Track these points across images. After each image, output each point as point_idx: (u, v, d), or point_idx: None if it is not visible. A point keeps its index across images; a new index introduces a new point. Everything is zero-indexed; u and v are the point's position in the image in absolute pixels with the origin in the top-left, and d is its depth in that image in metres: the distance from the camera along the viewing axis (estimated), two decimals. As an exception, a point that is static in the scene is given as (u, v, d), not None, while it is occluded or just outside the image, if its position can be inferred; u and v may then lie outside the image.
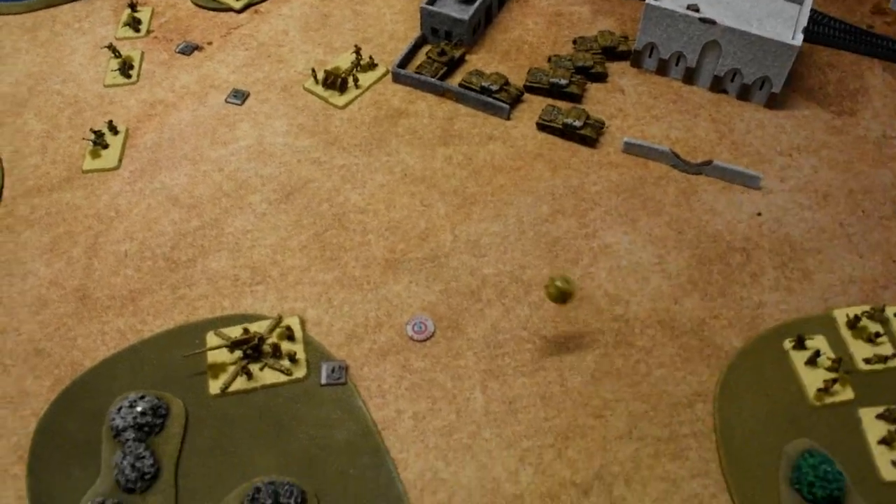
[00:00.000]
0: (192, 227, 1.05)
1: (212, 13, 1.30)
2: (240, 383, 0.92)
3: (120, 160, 1.12)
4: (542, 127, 1.12)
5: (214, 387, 0.92)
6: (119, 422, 0.87)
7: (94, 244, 1.05)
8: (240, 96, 1.17)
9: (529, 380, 0.91)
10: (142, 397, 0.89)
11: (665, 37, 1.15)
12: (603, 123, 1.12)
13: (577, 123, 1.09)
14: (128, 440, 0.86)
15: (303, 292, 0.99)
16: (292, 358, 0.92)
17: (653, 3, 1.13)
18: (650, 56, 1.19)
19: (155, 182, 1.10)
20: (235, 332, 0.95)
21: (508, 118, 1.13)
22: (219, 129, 1.15)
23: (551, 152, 1.10)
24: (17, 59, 1.27)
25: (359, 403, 0.90)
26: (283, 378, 0.92)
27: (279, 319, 0.95)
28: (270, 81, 1.19)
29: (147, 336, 0.97)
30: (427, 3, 1.19)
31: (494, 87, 1.13)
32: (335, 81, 1.16)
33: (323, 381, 0.92)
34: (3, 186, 1.12)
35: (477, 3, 1.19)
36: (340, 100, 1.16)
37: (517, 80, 1.18)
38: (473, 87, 1.15)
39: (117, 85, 1.20)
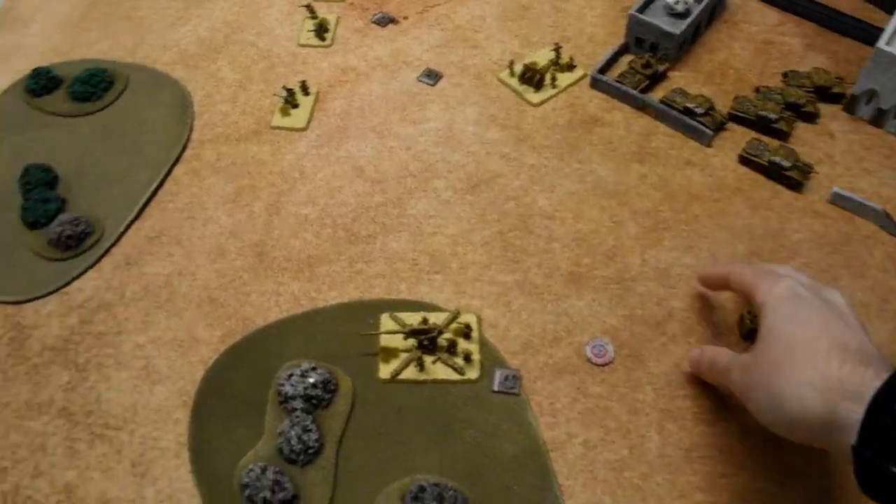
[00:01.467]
0: (374, 202, 1.03)
1: (410, -14, 1.27)
2: (410, 372, 0.89)
3: (308, 122, 1.10)
4: (744, 160, 1.06)
5: (385, 371, 0.89)
6: (289, 389, 0.86)
7: (276, 202, 1.03)
8: (433, 76, 1.13)
9: (709, 429, 0.85)
10: (313, 368, 0.87)
11: (890, 86, 1.07)
12: (811, 168, 1.05)
13: (786, 163, 1.02)
14: (295, 409, 0.85)
15: (481, 290, 0.95)
16: (468, 357, 0.89)
17: (884, 48, 1.05)
18: (867, 103, 1.11)
19: (341, 150, 1.08)
20: (411, 318, 0.92)
21: (709, 145, 1.07)
22: (409, 107, 1.12)
23: (752, 189, 1.03)
24: (215, 4, 1.28)
25: (530, 419, 0.86)
26: (454, 376, 0.89)
27: (457, 314, 0.92)
28: (464, 66, 1.16)
29: (321, 305, 0.95)
30: (636, 11, 1.13)
31: (699, 111, 1.07)
32: (533, 77, 1.11)
33: (495, 387, 0.88)
34: (192, 129, 1.11)
35: (690, 19, 1.12)
36: (535, 97, 1.12)
37: (720, 105, 1.11)
38: (676, 106, 1.09)
39: (311, 46, 1.19)
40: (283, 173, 1.07)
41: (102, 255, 1.01)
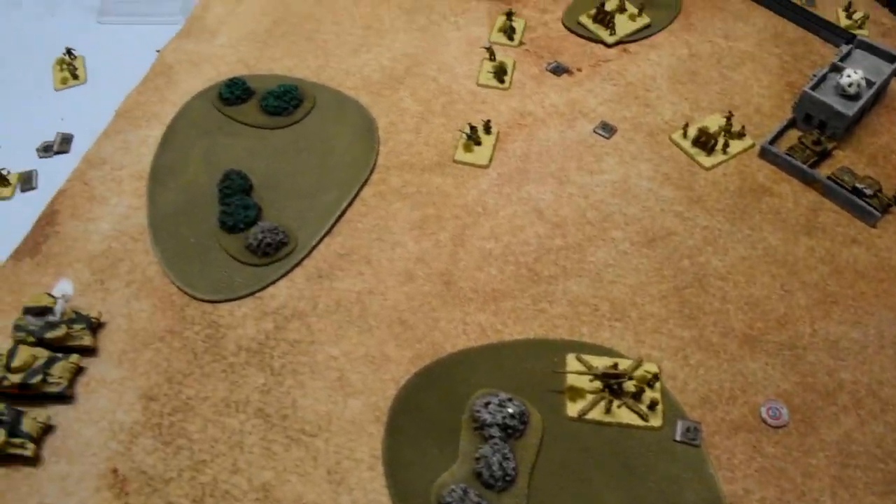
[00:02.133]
0: (555, 245, 1.08)
1: (582, 41, 1.34)
2: (597, 413, 0.94)
3: (490, 160, 1.16)
4: (910, 244, 1.10)
5: (573, 409, 0.94)
6: (487, 416, 0.90)
7: (461, 234, 1.09)
8: (608, 130, 1.19)
9: (880, 501, 0.89)
10: (510, 399, 0.92)
11: None
12: (975, 259, 1.09)
13: (950, 252, 1.07)
14: (493, 437, 0.89)
15: (660, 342, 1.00)
16: (652, 405, 0.93)
17: None
18: None
19: (522, 191, 1.14)
20: (596, 361, 0.97)
21: (874, 226, 1.12)
22: (585, 157, 1.17)
23: (919, 274, 1.07)
24: (396, 37, 1.35)
25: (710, 471, 0.90)
26: (637, 422, 0.93)
27: (640, 362, 0.96)
28: (637, 123, 1.21)
29: (506, 339, 1.00)
30: (810, 89, 1.19)
31: (868, 191, 1.12)
32: (707, 142, 1.17)
33: (677, 437, 0.93)
34: (377, 154, 1.17)
35: (861, 101, 1.18)
36: (707, 160, 1.17)
37: (884, 188, 1.15)
38: (845, 184, 1.14)
39: (490, 87, 1.26)
40: (467, 207, 1.13)
41: (295, 266, 1.06)
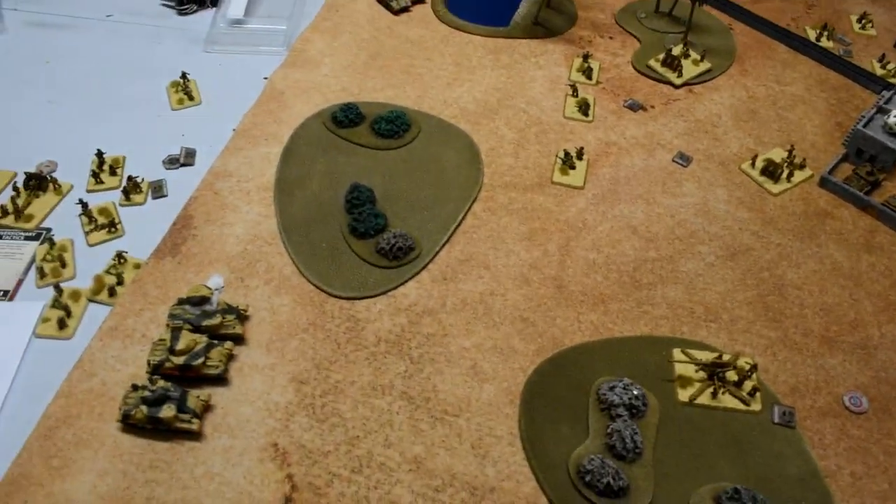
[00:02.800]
0: (650, 257, 1.24)
1: (651, 82, 1.52)
2: (705, 398, 1.08)
3: (584, 182, 1.31)
4: (955, 264, 1.28)
5: (683, 395, 1.08)
6: (614, 398, 1.04)
7: (566, 245, 1.24)
8: (685, 159, 1.37)
9: (954, 476, 1.05)
10: (632, 384, 1.06)
11: None
12: None
13: None
14: (621, 416, 1.03)
15: (750, 340, 1.15)
16: (753, 391, 1.08)
17: None
18: None
19: (615, 209, 1.30)
20: (699, 354, 1.11)
21: (923, 247, 1.30)
22: (667, 182, 1.34)
23: (964, 288, 1.25)
24: (484, 74, 1.52)
25: (806, 448, 1.05)
26: (740, 406, 1.08)
27: (738, 356, 1.11)
28: (709, 154, 1.39)
29: (617, 335, 1.14)
30: (862, 126, 1.39)
31: (917, 216, 1.31)
32: (774, 171, 1.35)
33: (775, 419, 1.07)
34: (483, 174, 1.33)
35: (905, 140, 1.38)
36: (774, 187, 1.35)
37: (929, 215, 1.34)
38: None
39: (575, 119, 1.42)
40: (569, 222, 1.28)
41: (422, 269, 1.20)
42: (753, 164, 1.38)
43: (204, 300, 1.10)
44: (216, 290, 1.11)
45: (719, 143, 1.43)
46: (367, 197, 1.24)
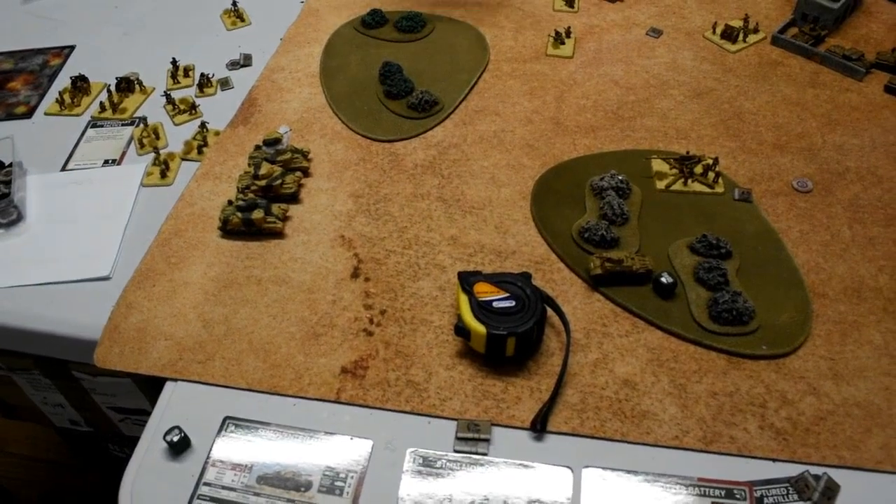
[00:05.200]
0: (630, 100, 1.63)
1: (624, -17, 1.95)
2: (677, 186, 1.46)
3: (573, 53, 1.73)
4: (888, 90, 1.68)
5: (660, 185, 1.46)
6: (604, 184, 1.43)
7: (560, 95, 1.64)
8: (657, 32, 1.77)
9: (884, 229, 1.42)
10: (618, 173, 1.45)
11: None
12: (933, 98, 1.66)
13: (915, 93, 1.64)
14: (608, 195, 1.42)
15: (714, 150, 1.52)
16: (716, 177, 1.47)
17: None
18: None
19: (600, 70, 1.70)
20: (670, 157, 1.51)
21: (861, 80, 1.70)
22: (642, 49, 1.75)
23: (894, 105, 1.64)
24: (483, -15, 1.94)
25: (762, 215, 1.42)
26: (706, 189, 1.46)
27: (702, 156, 1.50)
28: (677, 28, 1.79)
29: (605, 150, 1.54)
30: None
31: (854, 56, 1.71)
32: (731, 34, 1.76)
33: (735, 197, 1.45)
34: (489, 53, 1.74)
35: (841, 2, 1.79)
36: (733, 47, 1.75)
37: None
38: (837, 54, 1.72)
39: (563, 11, 1.83)
40: (562, 81, 1.69)
41: (445, 118, 1.61)
42: (714, 31, 1.79)
43: (277, 141, 1.51)
44: (285, 133, 1.53)
45: (685, 20, 1.85)
46: (396, 69, 1.66)
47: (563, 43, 1.76)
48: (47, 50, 1.87)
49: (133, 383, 1.45)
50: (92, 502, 2.38)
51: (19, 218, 1.48)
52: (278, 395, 1.19)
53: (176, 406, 1.19)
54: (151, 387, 1.42)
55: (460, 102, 1.64)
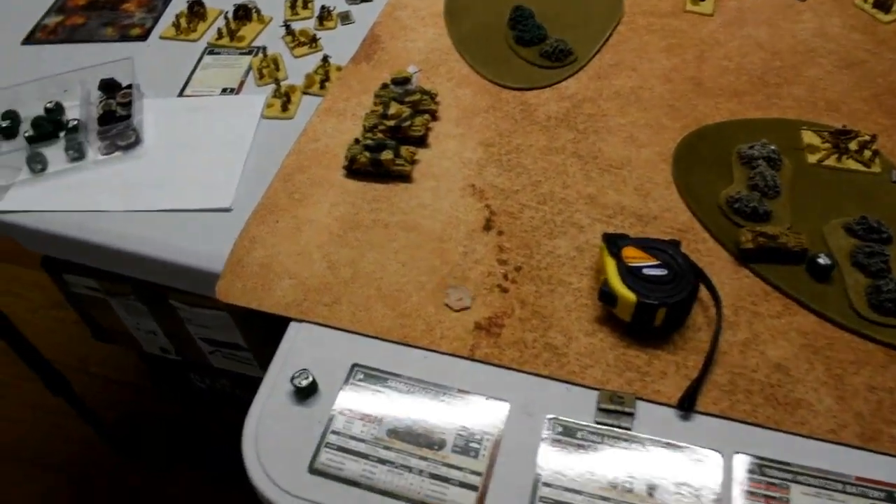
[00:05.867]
0: (775, 65, 1.48)
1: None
2: (830, 162, 1.32)
3: (713, 10, 1.57)
4: None
5: (812, 159, 1.32)
6: (753, 153, 1.29)
7: (700, 55, 1.50)
8: (802, -3, 1.61)
9: None
10: (769, 142, 1.31)
11: None
12: None
13: None
14: (759, 165, 1.28)
15: (868, 127, 1.38)
16: (873, 156, 1.32)
17: None
18: None
19: (742, 31, 1.55)
20: (824, 131, 1.36)
21: None
22: (788, 12, 1.59)
23: None
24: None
25: (921, 199, 1.28)
26: (861, 168, 1.31)
27: (858, 132, 1.35)
28: (823, -5, 1.63)
29: (750, 117, 1.40)
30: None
31: None
32: (884, 3, 1.59)
33: (893, 179, 1.31)
34: (623, 4, 1.59)
35: None
36: (885, 17, 1.59)
37: None
38: None
39: (700, -33, 1.67)
40: (702, 39, 1.54)
41: (578, 70, 1.48)
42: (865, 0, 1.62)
43: (406, 80, 1.38)
44: (415, 73, 1.40)
45: (832, -13, 1.68)
46: (529, 14, 1.52)
47: (702, 0, 1.60)
48: (162, -30, 1.75)
49: (230, 316, 1.37)
50: (169, 428, 2.34)
51: (137, 141, 1.38)
52: (408, 345, 1.09)
53: (301, 349, 1.09)
54: (247, 323, 1.33)
55: (595, 54, 1.50)
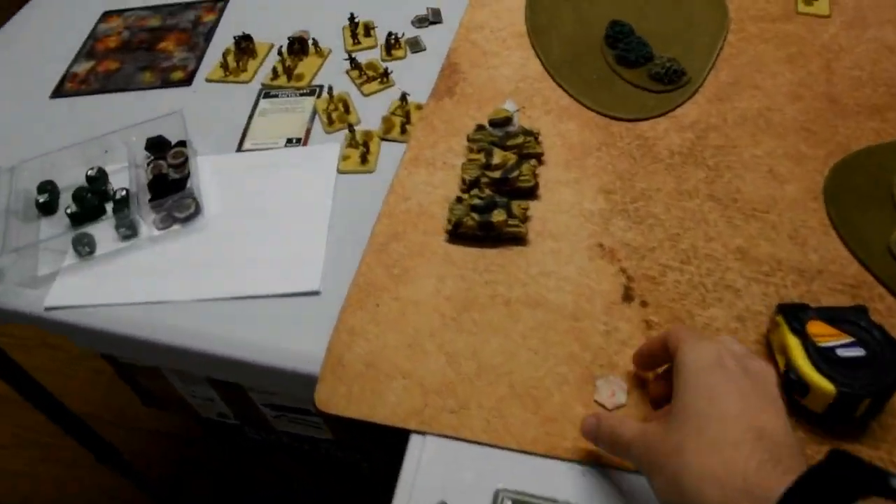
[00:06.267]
0: (912, 73, 1.27)
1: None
2: None
3: (829, 10, 1.35)
4: None
5: None
6: (924, 186, 1.08)
7: (827, 66, 1.28)
8: (925, -14, 1.39)
9: None
10: (938, 173, 1.10)
11: None
12: None
13: None
14: (932, 201, 1.07)
15: None
16: None
17: None
18: None
19: (867, 34, 1.34)
20: None
21: None
22: (911, 7, 1.37)
23: None
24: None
25: None
26: None
27: None
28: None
29: (887, 141, 1.18)
30: None
31: None
32: None
33: None
34: (728, 10, 1.37)
35: None
36: None
37: None
38: None
39: (803, -42, 1.45)
40: (825, 46, 1.32)
41: (694, 92, 1.26)
42: None
43: (507, 121, 1.17)
44: (514, 111, 1.18)
45: (950, -26, 1.46)
46: (629, 30, 1.30)
47: (815, -2, 1.38)
48: (197, 3, 1.52)
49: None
50: (219, 480, 2.15)
51: (197, 211, 1.17)
52: (560, 459, 0.89)
53: (429, 471, 0.90)
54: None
55: (709, 71, 1.28)
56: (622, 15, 1.37)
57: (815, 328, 0.91)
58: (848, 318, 0.92)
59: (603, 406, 0.92)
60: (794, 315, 0.92)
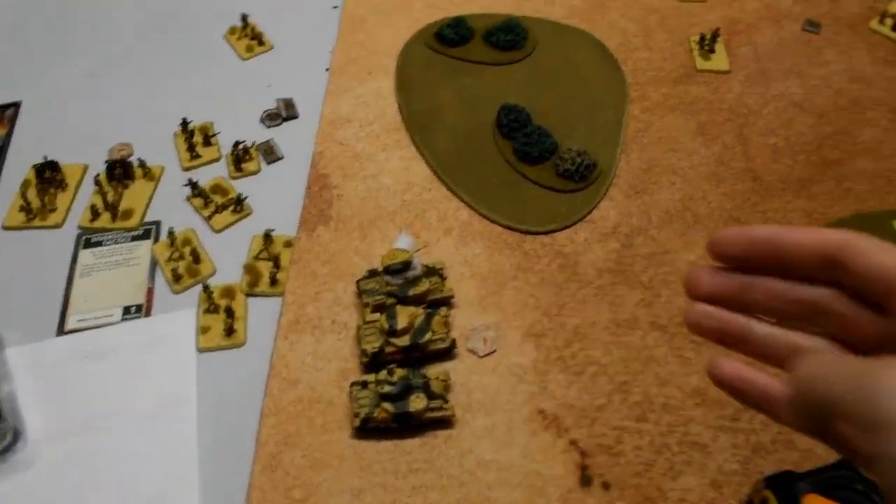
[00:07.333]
0: (826, 132, 1.12)
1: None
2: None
3: (729, 64, 1.17)
4: None
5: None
6: (875, 284, 0.92)
7: (740, 134, 1.10)
8: (814, 26, 1.24)
9: None
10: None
11: None
12: None
13: None
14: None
15: None
16: None
17: None
18: None
19: (771, 89, 1.16)
20: (923, 223, 1.01)
21: None
22: (808, 52, 1.23)
23: None
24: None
25: None
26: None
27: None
28: (834, 17, 1.27)
29: (829, 216, 1.02)
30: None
31: None
32: (903, 25, 1.24)
33: None
34: (622, 72, 1.15)
35: None
36: (907, 40, 1.24)
37: None
38: None
39: (691, 1, 1.26)
40: (731, 109, 1.13)
41: (608, 187, 1.03)
42: (882, 21, 1.26)
43: (406, 266, 0.89)
44: (416, 251, 0.91)
45: (837, 4, 1.30)
46: (525, 118, 1.05)
47: (712, 51, 1.18)
48: (-25, 113, 1.11)
49: None
50: None
51: (16, 438, 0.82)
52: None
53: None
54: None
55: (619, 156, 1.06)
56: (510, 90, 1.12)
57: (813, 502, 0.72)
58: (842, 483, 0.73)
59: None
60: (787, 490, 0.73)
